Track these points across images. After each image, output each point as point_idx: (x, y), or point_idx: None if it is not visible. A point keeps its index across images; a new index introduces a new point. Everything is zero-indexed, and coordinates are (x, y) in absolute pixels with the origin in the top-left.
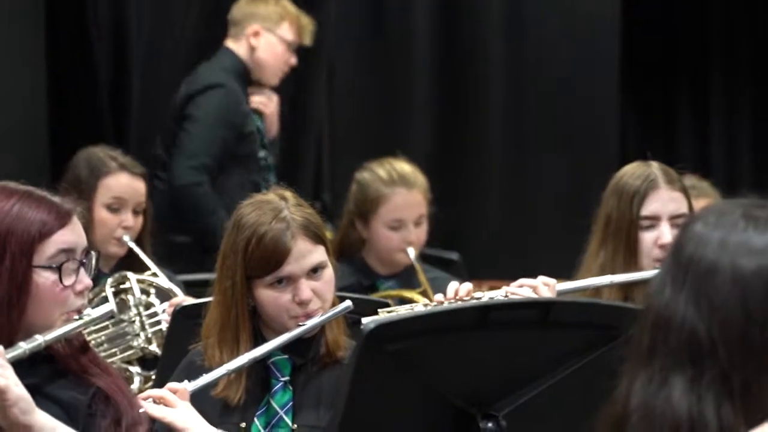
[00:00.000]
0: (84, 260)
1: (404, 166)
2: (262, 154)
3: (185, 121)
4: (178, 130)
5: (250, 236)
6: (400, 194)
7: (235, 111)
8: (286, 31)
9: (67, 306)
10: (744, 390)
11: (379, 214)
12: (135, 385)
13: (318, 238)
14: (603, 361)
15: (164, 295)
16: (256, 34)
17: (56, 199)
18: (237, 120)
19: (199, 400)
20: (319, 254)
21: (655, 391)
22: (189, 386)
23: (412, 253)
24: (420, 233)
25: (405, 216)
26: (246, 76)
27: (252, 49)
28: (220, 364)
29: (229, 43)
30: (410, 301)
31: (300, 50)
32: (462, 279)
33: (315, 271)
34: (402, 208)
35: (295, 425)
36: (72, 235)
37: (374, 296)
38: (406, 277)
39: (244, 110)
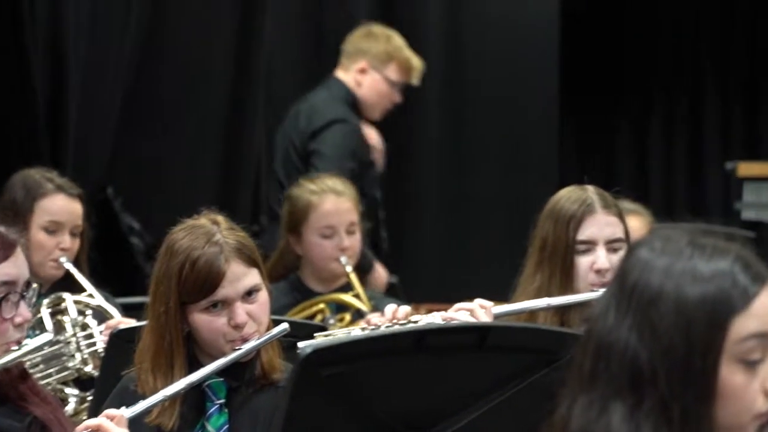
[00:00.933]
0: (25, 293)
1: (334, 179)
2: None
3: (313, 157)
4: (304, 167)
5: (184, 261)
6: (329, 201)
7: (359, 143)
8: (393, 72)
9: (6, 338)
10: (683, 419)
11: (309, 223)
12: (71, 407)
13: (251, 261)
14: (540, 385)
15: (101, 316)
16: (362, 71)
17: (1, 228)
18: (360, 152)
19: (133, 428)
20: (253, 277)
21: (595, 416)
22: (126, 413)
23: (345, 261)
24: (353, 242)
25: (335, 222)
26: (356, 108)
27: (358, 84)
28: (154, 391)
29: (340, 74)
30: (345, 304)
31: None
32: (400, 302)
33: (250, 294)
34: (332, 215)
35: None
36: (14, 267)
37: (308, 302)
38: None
39: (365, 142)
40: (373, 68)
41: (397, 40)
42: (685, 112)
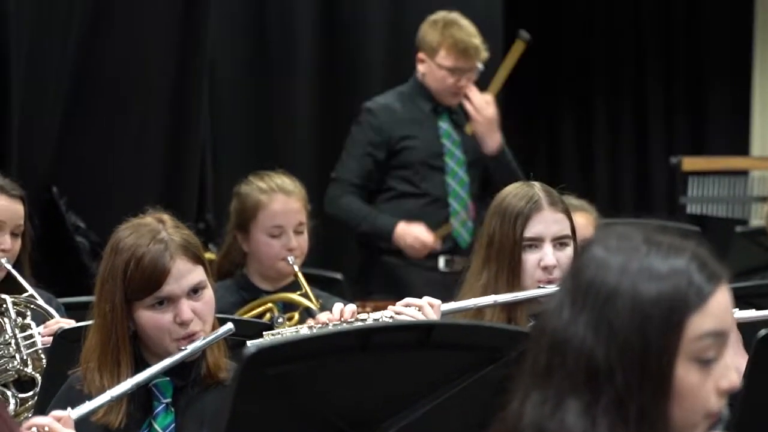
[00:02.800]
0: None
1: (283, 177)
2: None
3: None
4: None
5: (129, 258)
6: (279, 200)
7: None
8: (443, 58)
9: None
10: (639, 417)
11: (258, 221)
12: (11, 408)
13: (197, 258)
14: (487, 382)
15: (42, 317)
16: (422, 60)
17: None
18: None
19: (80, 427)
20: (198, 274)
21: (550, 412)
22: (73, 414)
23: (293, 261)
24: (301, 242)
25: (284, 222)
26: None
27: (422, 74)
28: (101, 390)
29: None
30: (293, 303)
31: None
32: (345, 299)
33: (195, 291)
34: (281, 214)
35: None
36: None
37: (257, 301)
38: (289, 292)
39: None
40: (428, 57)
41: (451, 26)
42: (630, 107)
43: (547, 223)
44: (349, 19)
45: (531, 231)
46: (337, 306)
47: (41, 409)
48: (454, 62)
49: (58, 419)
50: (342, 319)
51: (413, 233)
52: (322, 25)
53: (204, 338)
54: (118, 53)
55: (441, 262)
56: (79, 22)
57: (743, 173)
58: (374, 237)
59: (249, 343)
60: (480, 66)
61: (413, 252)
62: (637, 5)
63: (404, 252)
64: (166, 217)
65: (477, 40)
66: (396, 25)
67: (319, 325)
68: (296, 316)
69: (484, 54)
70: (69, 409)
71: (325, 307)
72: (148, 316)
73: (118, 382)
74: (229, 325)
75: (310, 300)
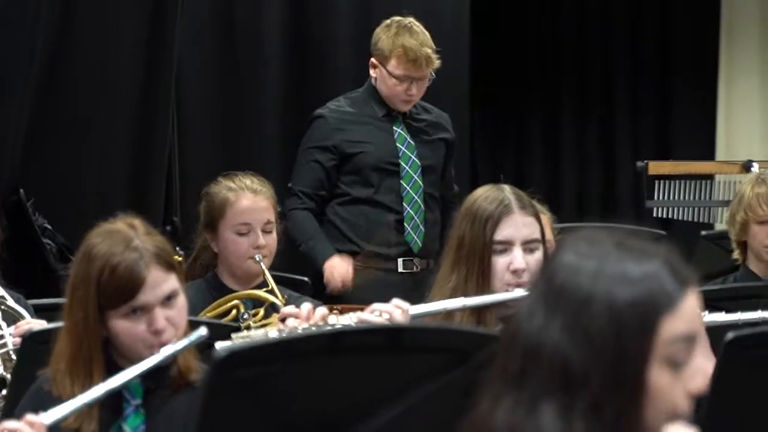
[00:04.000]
0: None
1: (252, 177)
2: None
3: None
4: None
5: (102, 267)
6: (246, 198)
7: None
8: (394, 67)
9: None
10: (615, 419)
11: (226, 219)
12: None
13: (170, 266)
14: (457, 385)
15: (12, 317)
16: (374, 66)
17: None
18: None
19: (53, 430)
20: (172, 282)
21: (524, 415)
22: (45, 419)
23: (260, 259)
24: (269, 241)
25: (251, 220)
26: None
27: (375, 79)
28: (71, 395)
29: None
30: (259, 300)
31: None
32: (314, 302)
33: (169, 299)
34: (248, 212)
35: None
36: None
37: (223, 298)
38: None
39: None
40: (380, 63)
41: (403, 34)
42: (596, 111)
43: (517, 226)
44: (317, 18)
45: (501, 234)
46: (306, 306)
47: (10, 409)
48: (404, 71)
49: (31, 424)
50: (311, 323)
51: (338, 270)
52: (290, 26)
53: (176, 343)
54: (85, 55)
55: (399, 264)
56: (45, 23)
57: (709, 177)
58: (310, 259)
59: (217, 345)
60: (432, 75)
61: (330, 286)
62: (606, 10)
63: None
64: (137, 222)
65: (429, 49)
66: (365, 23)
67: (288, 329)
68: (261, 311)
69: (436, 63)
70: (41, 413)
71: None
72: (122, 325)
73: (90, 388)
74: (203, 330)
75: (275, 296)
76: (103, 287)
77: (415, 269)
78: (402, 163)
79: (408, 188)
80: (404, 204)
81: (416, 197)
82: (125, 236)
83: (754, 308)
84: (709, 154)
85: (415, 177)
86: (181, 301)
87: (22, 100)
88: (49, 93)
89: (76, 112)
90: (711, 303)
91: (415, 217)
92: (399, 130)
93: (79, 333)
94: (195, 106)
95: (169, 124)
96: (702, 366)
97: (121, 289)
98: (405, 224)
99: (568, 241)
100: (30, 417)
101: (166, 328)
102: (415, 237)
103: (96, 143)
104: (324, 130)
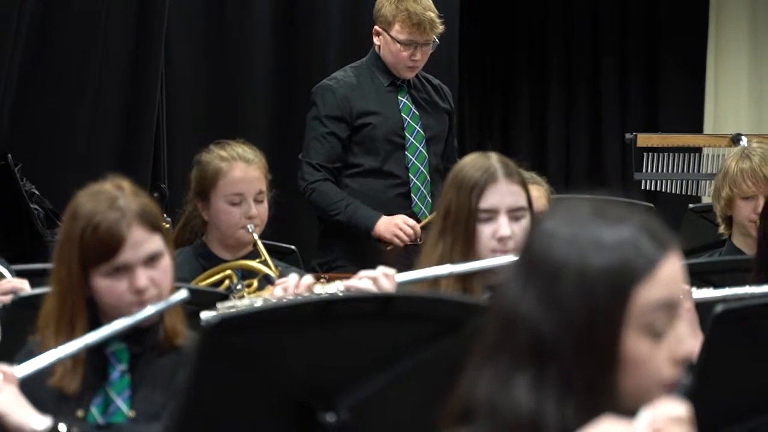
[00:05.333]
0: None
1: (243, 146)
2: None
3: None
4: None
5: (86, 225)
6: (239, 168)
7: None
8: (398, 32)
9: None
10: (587, 390)
11: (218, 189)
12: None
13: (154, 227)
14: (446, 354)
15: None
16: (377, 34)
17: None
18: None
19: (34, 389)
20: (155, 243)
21: (500, 387)
22: (17, 371)
23: (252, 229)
24: (261, 210)
25: (244, 190)
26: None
27: (378, 47)
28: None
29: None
30: (252, 270)
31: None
32: (300, 271)
33: (152, 259)
34: (241, 182)
35: (132, 412)
36: None
37: (215, 268)
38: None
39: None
40: (383, 30)
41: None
42: (585, 83)
43: (502, 194)
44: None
45: (486, 202)
46: (293, 277)
47: None
48: (408, 35)
49: (3, 373)
50: (297, 292)
51: (396, 223)
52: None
53: (158, 304)
54: (74, 20)
55: None
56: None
57: (697, 151)
58: (351, 229)
59: (203, 315)
60: (436, 40)
61: (400, 239)
62: None
63: (389, 241)
64: (125, 183)
65: (432, 13)
66: (353, 4)
67: (276, 298)
68: (255, 283)
69: (440, 27)
70: (15, 366)
71: (285, 276)
72: (104, 284)
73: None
74: (184, 292)
75: (269, 267)
76: (85, 246)
77: (419, 242)
78: (407, 134)
79: (413, 159)
80: (410, 175)
81: (422, 167)
82: (110, 196)
83: (740, 282)
84: (697, 127)
85: (420, 148)
86: (166, 262)
87: (9, 66)
88: (36, 58)
89: (65, 79)
90: (698, 277)
91: (422, 188)
92: (404, 101)
93: (63, 292)
94: (183, 73)
95: (157, 90)
96: (688, 332)
97: (102, 247)
98: (412, 195)
99: (549, 211)
100: (2, 367)
101: (148, 287)
102: (423, 207)
103: (84, 109)
104: (334, 101)
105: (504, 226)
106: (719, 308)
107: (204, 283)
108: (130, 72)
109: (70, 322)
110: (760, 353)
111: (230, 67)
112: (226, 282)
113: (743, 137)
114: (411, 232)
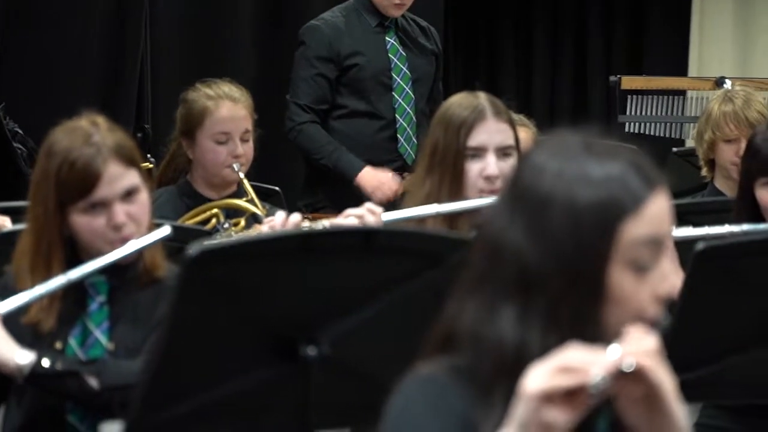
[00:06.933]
0: None
1: (230, 85)
2: None
3: None
4: None
5: (61, 162)
6: (226, 107)
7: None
8: None
9: None
10: (572, 320)
11: (204, 128)
12: None
13: (131, 162)
14: (427, 289)
15: None
16: None
17: None
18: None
19: (10, 326)
20: (132, 177)
21: (485, 317)
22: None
23: (238, 168)
24: (247, 149)
25: (231, 129)
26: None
27: None
28: None
29: None
30: (239, 209)
31: None
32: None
33: (129, 194)
34: (227, 121)
35: (111, 345)
36: None
37: (202, 207)
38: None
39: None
40: None
41: None
42: (570, 26)
43: (490, 132)
44: None
45: (474, 140)
46: (280, 214)
47: None
48: None
49: None
50: (285, 228)
51: (379, 178)
52: None
53: (139, 240)
54: None
55: None
56: None
57: (681, 93)
58: (334, 174)
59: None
60: None
61: (377, 196)
62: None
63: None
64: (100, 119)
65: None
66: None
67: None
68: (242, 222)
69: None
70: None
71: (272, 215)
72: (82, 221)
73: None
74: (166, 228)
75: (256, 206)
76: (61, 183)
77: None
78: (394, 75)
79: (400, 100)
80: (397, 116)
81: (408, 109)
82: (85, 132)
83: (721, 223)
84: (682, 70)
85: (407, 89)
86: (143, 197)
87: None
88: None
89: (49, 19)
90: (678, 217)
91: (408, 129)
92: (392, 41)
93: (39, 229)
94: (167, 13)
95: (141, 30)
96: (672, 270)
97: (78, 184)
98: (398, 136)
99: (540, 144)
100: None
101: (126, 223)
102: (409, 149)
103: (68, 50)
104: (323, 41)
105: (492, 164)
106: (700, 246)
107: (190, 221)
108: (114, 11)
109: (46, 261)
110: (738, 291)
111: (216, 6)
112: (213, 221)
113: (727, 80)
114: (390, 194)
